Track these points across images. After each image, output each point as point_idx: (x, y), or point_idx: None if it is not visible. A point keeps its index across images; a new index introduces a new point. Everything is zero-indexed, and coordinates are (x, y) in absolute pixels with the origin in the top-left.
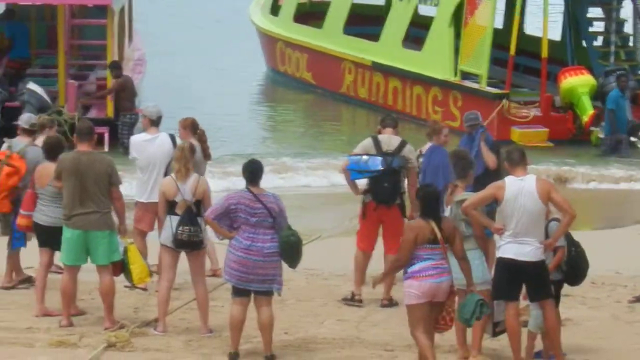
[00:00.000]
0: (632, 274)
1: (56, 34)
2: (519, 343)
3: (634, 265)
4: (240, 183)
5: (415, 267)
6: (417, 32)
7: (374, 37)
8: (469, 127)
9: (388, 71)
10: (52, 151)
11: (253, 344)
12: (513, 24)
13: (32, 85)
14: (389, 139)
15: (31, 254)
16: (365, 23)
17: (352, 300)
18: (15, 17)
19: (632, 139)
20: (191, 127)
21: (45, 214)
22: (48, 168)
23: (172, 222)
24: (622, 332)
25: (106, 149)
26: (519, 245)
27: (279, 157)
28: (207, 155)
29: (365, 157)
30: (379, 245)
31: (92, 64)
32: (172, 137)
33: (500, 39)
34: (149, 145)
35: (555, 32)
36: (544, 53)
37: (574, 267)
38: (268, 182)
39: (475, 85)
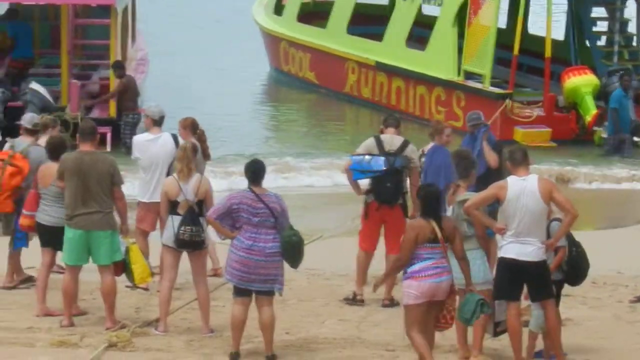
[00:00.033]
0: (633, 273)
1: (59, 33)
2: (520, 343)
3: (636, 265)
4: (243, 183)
5: (415, 267)
6: (420, 32)
7: (378, 36)
8: (472, 126)
9: (391, 71)
10: (55, 151)
11: (254, 344)
12: (516, 23)
13: (34, 85)
14: (392, 139)
15: (32, 254)
16: (368, 23)
17: (354, 300)
18: (19, 17)
19: (635, 138)
20: (191, 127)
21: (48, 214)
22: (51, 168)
23: (174, 222)
24: (623, 332)
25: (109, 148)
26: (521, 245)
27: (282, 157)
28: (206, 156)
29: (367, 157)
30: (381, 246)
31: (96, 64)
32: (175, 137)
33: (503, 38)
34: (152, 145)
35: (558, 32)
36: (548, 53)
37: (575, 267)
38: (271, 182)
39: (478, 85)
